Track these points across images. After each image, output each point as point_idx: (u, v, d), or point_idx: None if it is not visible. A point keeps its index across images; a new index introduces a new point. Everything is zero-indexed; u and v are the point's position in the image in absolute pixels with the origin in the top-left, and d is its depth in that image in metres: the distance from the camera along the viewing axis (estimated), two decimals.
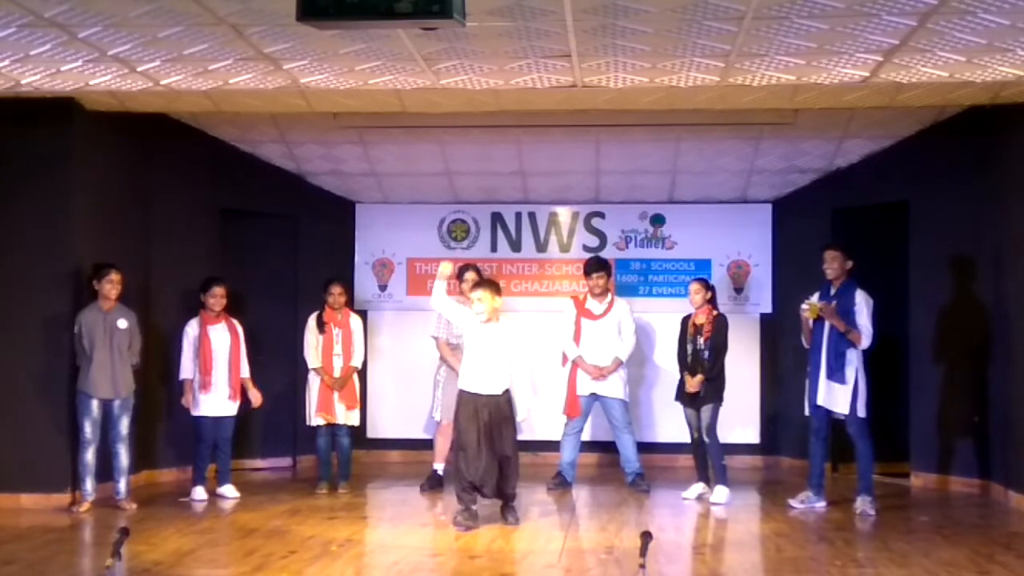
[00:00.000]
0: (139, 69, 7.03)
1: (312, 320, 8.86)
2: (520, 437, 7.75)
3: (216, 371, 8.42)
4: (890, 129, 9.05)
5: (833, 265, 7.93)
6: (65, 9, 5.90)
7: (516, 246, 10.58)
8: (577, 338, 8.93)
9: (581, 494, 8.80)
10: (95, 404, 7.85)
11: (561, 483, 8.89)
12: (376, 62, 6.84)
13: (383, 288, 10.63)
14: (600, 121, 8.76)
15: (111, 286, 7.92)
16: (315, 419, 8.77)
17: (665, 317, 9.86)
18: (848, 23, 6.01)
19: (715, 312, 8.48)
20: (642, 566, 4.51)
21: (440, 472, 8.83)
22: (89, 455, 7.85)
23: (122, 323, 7.98)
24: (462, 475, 7.24)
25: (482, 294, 7.35)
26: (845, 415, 7.83)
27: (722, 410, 8.41)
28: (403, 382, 10.40)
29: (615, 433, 8.99)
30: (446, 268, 7.35)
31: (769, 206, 10.37)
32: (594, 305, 8.99)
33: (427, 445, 9.35)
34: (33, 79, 7.31)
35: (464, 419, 7.28)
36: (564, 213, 10.55)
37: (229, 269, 9.31)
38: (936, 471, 8.96)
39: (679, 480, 9.01)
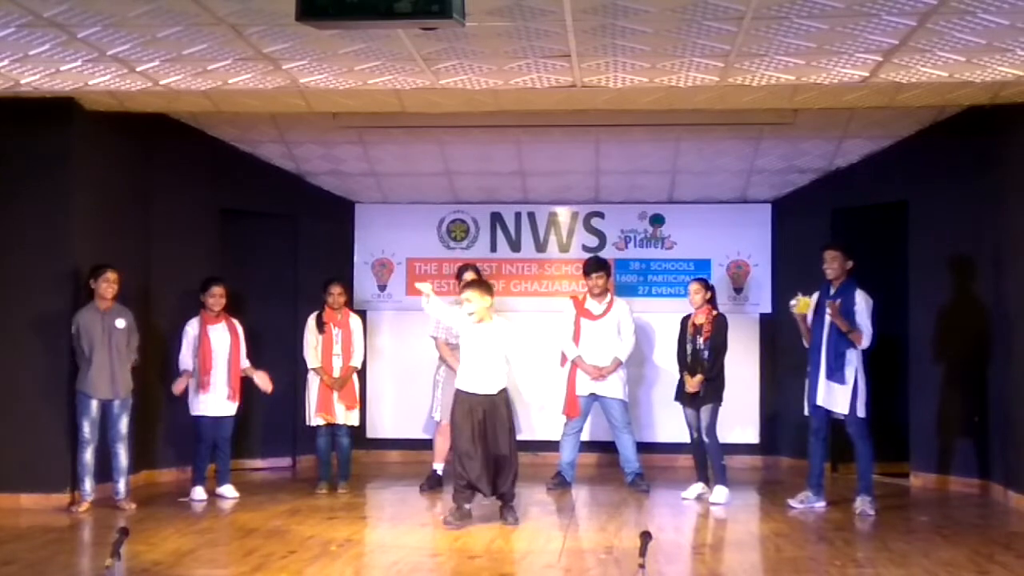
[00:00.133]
0: (138, 69, 7.03)
1: (312, 320, 8.86)
2: (520, 437, 7.76)
3: (216, 371, 8.42)
4: (890, 129, 9.04)
5: (833, 265, 7.92)
6: (64, 9, 5.89)
7: (515, 246, 10.57)
8: (576, 338, 8.93)
9: (581, 494, 8.80)
10: (94, 404, 7.85)
11: (561, 483, 8.89)
12: (375, 62, 6.83)
13: (383, 288, 10.63)
14: (600, 121, 8.75)
15: (107, 286, 7.91)
16: (315, 419, 8.77)
17: (665, 317, 9.86)
18: (848, 23, 6.01)
19: (715, 312, 8.48)
20: (641, 566, 4.51)
21: (440, 472, 8.83)
22: (88, 455, 7.85)
23: (120, 323, 7.98)
24: (459, 475, 7.27)
25: (470, 294, 7.38)
26: (845, 415, 7.83)
27: (722, 410, 8.40)
28: (402, 382, 10.40)
29: (614, 433, 8.99)
30: (425, 287, 7.39)
31: (769, 206, 10.37)
32: (593, 305, 8.99)
33: (427, 445, 9.35)
34: (33, 79, 7.31)
35: (459, 418, 7.33)
36: (563, 213, 10.55)
37: (229, 269, 9.31)
38: (936, 471, 8.96)
39: (678, 480, 9.01)
